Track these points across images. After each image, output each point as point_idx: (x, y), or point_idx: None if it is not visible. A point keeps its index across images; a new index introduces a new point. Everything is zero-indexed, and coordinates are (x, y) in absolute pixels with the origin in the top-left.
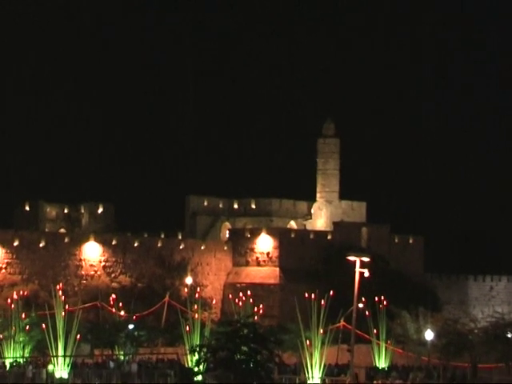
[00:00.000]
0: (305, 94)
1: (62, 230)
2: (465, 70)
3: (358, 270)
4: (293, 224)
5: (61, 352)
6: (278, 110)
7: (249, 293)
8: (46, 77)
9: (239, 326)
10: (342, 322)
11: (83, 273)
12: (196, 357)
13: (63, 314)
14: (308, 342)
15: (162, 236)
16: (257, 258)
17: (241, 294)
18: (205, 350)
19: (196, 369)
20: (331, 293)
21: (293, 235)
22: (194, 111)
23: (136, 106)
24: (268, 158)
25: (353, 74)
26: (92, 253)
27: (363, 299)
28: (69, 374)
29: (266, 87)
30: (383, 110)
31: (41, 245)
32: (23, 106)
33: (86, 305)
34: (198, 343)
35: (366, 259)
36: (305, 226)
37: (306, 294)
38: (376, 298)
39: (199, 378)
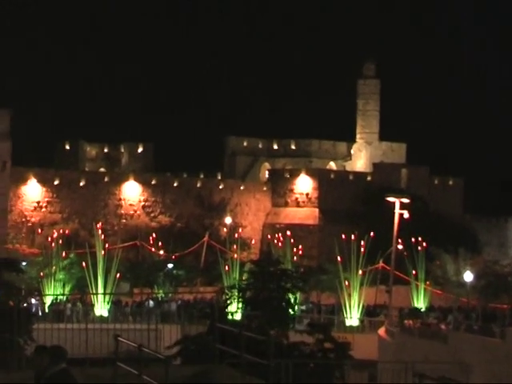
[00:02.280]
0: (345, 35)
1: (102, 170)
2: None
3: (397, 211)
4: (332, 165)
5: (100, 290)
6: (319, 50)
7: (288, 233)
8: (86, 19)
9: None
10: (381, 263)
11: (123, 212)
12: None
13: (103, 252)
14: (346, 282)
15: (202, 176)
16: (296, 198)
17: (280, 235)
18: (234, 290)
19: (228, 309)
20: (371, 234)
21: (332, 176)
22: (235, 52)
23: (176, 46)
24: (308, 99)
25: (394, 15)
26: (131, 192)
27: (402, 240)
28: (108, 311)
29: (306, 28)
30: (423, 51)
31: (81, 184)
32: (65, 46)
33: (126, 244)
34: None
35: (405, 201)
36: (344, 167)
37: (345, 235)
38: (415, 240)
39: (237, 317)
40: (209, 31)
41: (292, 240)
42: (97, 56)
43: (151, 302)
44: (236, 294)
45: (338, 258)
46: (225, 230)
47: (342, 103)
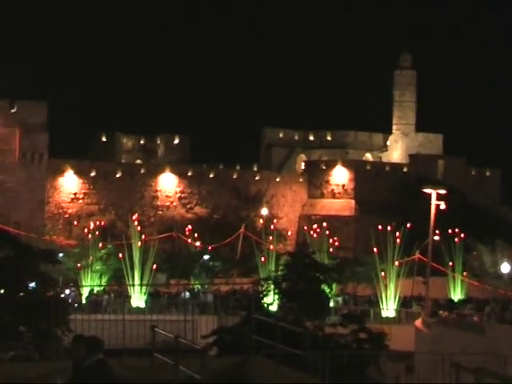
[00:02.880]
0: (382, 25)
1: (138, 161)
2: None
3: (433, 202)
4: (368, 156)
5: (137, 281)
6: (355, 41)
7: (324, 225)
8: (126, 12)
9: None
10: (418, 255)
11: (159, 203)
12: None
13: (139, 244)
14: (383, 274)
15: (238, 168)
16: (332, 190)
17: (316, 226)
18: (270, 281)
19: (264, 300)
20: (407, 225)
21: (368, 167)
22: (272, 43)
23: (212, 38)
24: (344, 90)
25: (429, 5)
26: (168, 184)
27: (439, 232)
28: (145, 302)
29: (343, 17)
30: (460, 42)
31: (117, 175)
32: (101, 37)
33: (162, 235)
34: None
35: (442, 192)
36: (380, 158)
37: (382, 227)
38: (452, 231)
39: (273, 308)
40: (242, 23)
41: (328, 231)
42: (134, 48)
43: (187, 294)
44: (272, 285)
45: (375, 250)
46: (261, 221)
47: (379, 94)
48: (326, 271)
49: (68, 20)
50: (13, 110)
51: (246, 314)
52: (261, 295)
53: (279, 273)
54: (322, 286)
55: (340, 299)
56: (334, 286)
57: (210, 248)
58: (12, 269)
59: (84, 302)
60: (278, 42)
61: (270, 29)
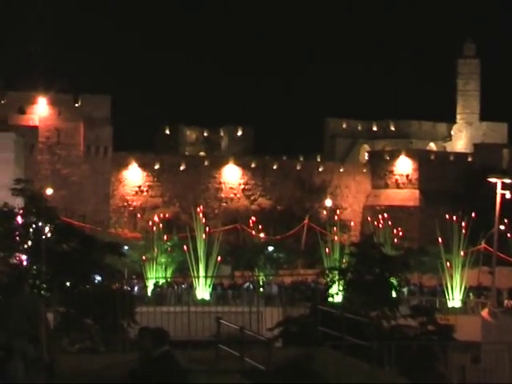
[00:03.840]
0: (445, 14)
1: (202, 153)
2: None
3: (499, 191)
4: (432, 146)
5: (202, 273)
6: (419, 30)
7: (387, 215)
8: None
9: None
10: (483, 244)
11: (223, 195)
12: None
13: (204, 236)
14: (448, 264)
15: (301, 159)
16: (396, 180)
17: (380, 217)
18: (335, 272)
19: (329, 291)
20: (472, 215)
21: (432, 157)
22: (334, 34)
23: (275, 28)
24: (407, 79)
25: None
26: (231, 176)
27: (505, 221)
28: (210, 295)
29: (406, 6)
30: None
31: (181, 168)
32: (164, 31)
33: (227, 227)
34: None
35: (507, 181)
36: (444, 147)
37: (447, 216)
38: None
39: (338, 299)
40: (302, 14)
41: (392, 222)
42: (196, 41)
43: (251, 285)
44: (337, 276)
45: (439, 240)
46: (325, 212)
47: (442, 83)
48: (392, 262)
49: (131, 13)
50: (77, 104)
51: (311, 305)
52: (326, 286)
53: (344, 263)
54: (388, 277)
55: (405, 290)
56: (400, 276)
57: (274, 239)
58: (78, 262)
59: (149, 294)
60: (344, 33)
61: (336, 20)
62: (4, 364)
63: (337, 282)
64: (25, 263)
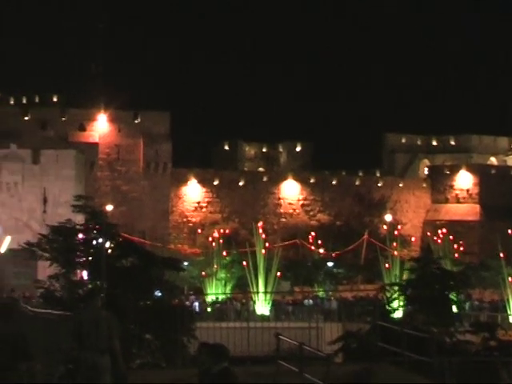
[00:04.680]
0: (500, 24)
1: (261, 169)
2: None
3: None
4: (493, 160)
5: (261, 289)
6: (474, 41)
7: (447, 230)
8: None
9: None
10: None
11: (282, 211)
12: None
13: (263, 251)
14: (510, 278)
15: (360, 174)
16: (456, 194)
17: (440, 232)
18: (395, 287)
19: (389, 307)
20: None
21: (493, 171)
22: (392, 50)
23: (336, 43)
24: (467, 93)
25: None
26: (290, 191)
27: None
28: (270, 310)
29: (461, 17)
30: None
31: (240, 184)
32: (220, 46)
33: (286, 242)
34: (396, 281)
35: None
36: (506, 161)
37: (509, 231)
38: None
39: (398, 315)
40: (360, 30)
41: (452, 236)
42: (255, 56)
43: (310, 301)
44: (397, 291)
45: (501, 254)
46: (384, 227)
47: (503, 97)
48: (452, 277)
49: (190, 29)
50: (137, 121)
51: (371, 320)
52: (386, 302)
53: (404, 279)
54: (448, 292)
55: (467, 305)
56: (460, 292)
57: (333, 255)
58: (138, 278)
59: (209, 309)
60: (403, 47)
61: (395, 35)
62: (74, 376)
63: (397, 298)
64: (85, 279)
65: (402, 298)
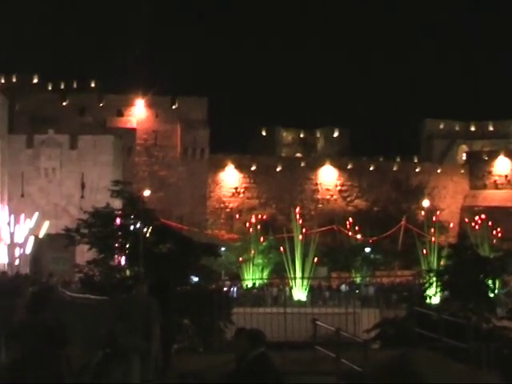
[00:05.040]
0: None
1: (298, 155)
2: None
3: None
4: None
5: (298, 274)
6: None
7: (485, 216)
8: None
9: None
10: None
11: (319, 197)
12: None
13: (300, 237)
14: None
15: (398, 160)
16: (495, 180)
17: (478, 218)
18: (432, 273)
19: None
20: None
21: None
22: (434, 34)
23: (376, 30)
24: (506, 78)
25: None
26: (328, 177)
27: None
28: (306, 296)
29: (497, 9)
30: None
31: (278, 169)
32: (262, 35)
33: (323, 228)
34: (433, 267)
35: None
36: None
37: None
38: None
39: (434, 301)
40: (402, 19)
41: (491, 223)
42: (292, 42)
43: (345, 287)
44: (434, 277)
45: None
46: (422, 213)
47: None
48: (489, 263)
49: (226, 15)
50: (174, 107)
51: (408, 306)
52: (423, 288)
53: (441, 265)
54: (486, 279)
55: (503, 291)
56: (498, 278)
57: (371, 241)
58: (176, 263)
59: (246, 295)
60: (444, 32)
61: (433, 21)
62: (110, 361)
63: (434, 284)
64: (123, 264)
65: (438, 284)
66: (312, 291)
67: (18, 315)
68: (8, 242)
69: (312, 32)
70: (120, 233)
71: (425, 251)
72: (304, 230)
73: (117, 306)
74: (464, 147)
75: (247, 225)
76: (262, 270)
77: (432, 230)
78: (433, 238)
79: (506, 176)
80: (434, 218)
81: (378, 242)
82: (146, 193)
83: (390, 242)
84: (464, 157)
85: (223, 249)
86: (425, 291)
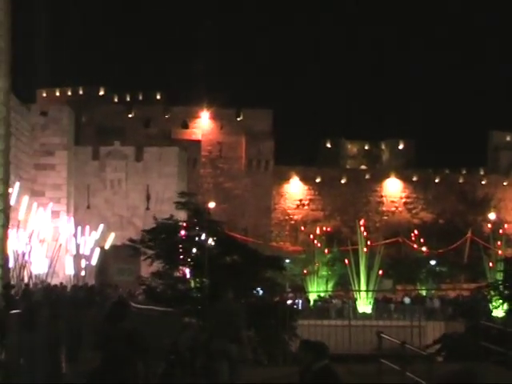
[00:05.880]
0: None
1: (363, 167)
2: None
3: None
4: None
5: (363, 287)
6: None
7: None
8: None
9: None
10: None
11: (384, 209)
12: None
13: (365, 249)
14: None
15: (464, 172)
16: None
17: None
18: (498, 287)
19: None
20: None
21: None
22: (493, 43)
23: (437, 43)
24: None
25: None
26: (393, 189)
27: None
28: (371, 308)
29: None
30: None
31: (342, 181)
32: (324, 47)
33: (388, 240)
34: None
35: None
36: None
37: None
38: None
39: (500, 314)
40: (464, 28)
41: None
42: (354, 55)
43: (407, 299)
44: (496, 291)
45: None
46: (488, 225)
47: None
48: None
49: (290, 29)
50: (239, 118)
51: (473, 320)
52: (488, 301)
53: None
54: None
55: None
56: None
57: (436, 253)
58: (241, 275)
59: (311, 307)
60: (503, 42)
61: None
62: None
63: (499, 297)
64: (187, 276)
65: (501, 297)
66: (377, 304)
67: (93, 325)
68: (74, 253)
69: (374, 41)
70: (185, 244)
71: (491, 264)
72: (369, 243)
73: (180, 316)
74: None
75: (311, 237)
76: (327, 282)
77: (499, 242)
78: (499, 251)
79: None
80: (500, 231)
81: (443, 255)
82: (211, 204)
83: (455, 254)
84: None
85: (288, 261)
86: (490, 304)
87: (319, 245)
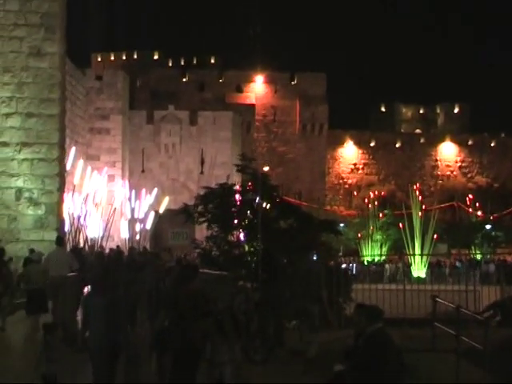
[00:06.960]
0: None
1: (418, 131)
2: None
3: None
4: None
5: (418, 251)
6: None
7: None
8: None
9: None
10: None
11: (439, 173)
12: None
13: (420, 213)
14: None
15: None
16: None
17: None
18: None
19: None
20: None
21: None
22: None
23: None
24: None
25: None
26: (448, 153)
27: None
28: (426, 273)
29: None
30: None
31: (397, 145)
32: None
33: (443, 205)
34: None
35: None
36: None
37: None
38: None
39: None
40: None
41: None
42: (413, 19)
43: (460, 263)
44: None
45: None
46: None
47: None
48: None
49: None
50: (293, 82)
51: None
52: None
53: None
54: None
55: None
56: None
57: (491, 217)
58: (296, 239)
59: (365, 271)
60: None
61: None
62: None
63: None
64: (242, 240)
65: None
66: (431, 268)
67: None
68: (129, 217)
69: (434, 8)
70: (239, 208)
71: None
72: (423, 207)
73: (234, 280)
74: None
75: (366, 201)
76: (381, 247)
77: None
78: None
79: None
80: None
81: (498, 219)
82: (265, 169)
83: (510, 218)
84: None
85: (342, 225)
86: None
87: (373, 209)
